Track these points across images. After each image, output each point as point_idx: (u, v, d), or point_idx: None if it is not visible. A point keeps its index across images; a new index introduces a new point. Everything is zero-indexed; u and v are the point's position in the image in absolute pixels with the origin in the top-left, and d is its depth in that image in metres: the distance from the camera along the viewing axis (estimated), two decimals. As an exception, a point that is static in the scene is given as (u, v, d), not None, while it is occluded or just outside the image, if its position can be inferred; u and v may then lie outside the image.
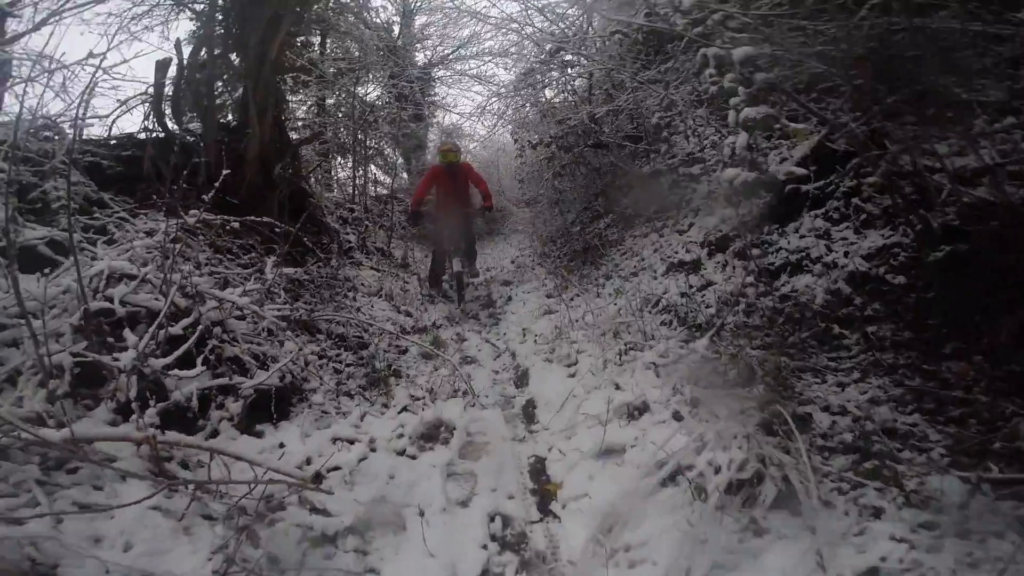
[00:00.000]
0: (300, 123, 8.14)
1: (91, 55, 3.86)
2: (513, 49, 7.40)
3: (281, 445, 2.49)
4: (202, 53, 5.07)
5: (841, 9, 2.10)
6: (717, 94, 2.34)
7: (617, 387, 2.89)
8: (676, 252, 4.55)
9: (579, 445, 2.63)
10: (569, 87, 6.49)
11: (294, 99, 8.74)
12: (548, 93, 7.11)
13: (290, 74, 7.80)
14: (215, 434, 2.39)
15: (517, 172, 11.31)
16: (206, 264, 3.09)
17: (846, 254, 3.26)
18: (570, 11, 6.10)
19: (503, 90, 7.41)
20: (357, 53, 8.66)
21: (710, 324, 3.27)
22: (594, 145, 5.80)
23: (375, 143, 8.97)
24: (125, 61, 6.58)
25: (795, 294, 3.31)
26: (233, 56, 5.37)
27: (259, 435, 2.54)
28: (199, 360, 2.35)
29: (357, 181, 7.54)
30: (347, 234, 6.18)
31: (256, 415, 2.59)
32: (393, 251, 7.36)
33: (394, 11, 10.67)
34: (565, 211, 6.56)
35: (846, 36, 2.10)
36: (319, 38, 9.01)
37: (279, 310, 2.91)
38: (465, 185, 5.49)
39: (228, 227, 3.23)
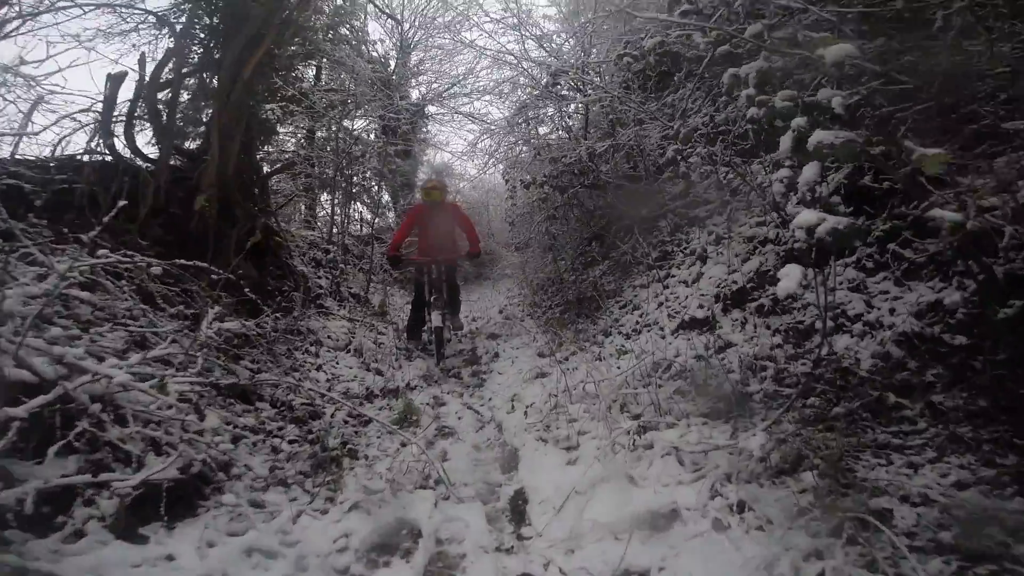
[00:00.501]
0: (287, 155, 7.71)
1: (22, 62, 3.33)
2: (507, 87, 7.13)
3: (169, 558, 1.81)
4: (167, 69, 4.59)
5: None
6: (762, 116, 1.85)
7: (632, 481, 2.26)
8: (685, 307, 4.01)
9: (586, 564, 1.97)
10: (564, 122, 6.14)
11: (284, 130, 8.43)
12: (542, 130, 6.78)
13: (280, 103, 7.56)
14: (78, 535, 1.71)
15: (508, 214, 10.95)
16: (110, 321, 2.46)
17: (892, 311, 2.79)
18: (567, 43, 5.84)
19: (495, 127, 7.05)
20: (351, 85, 8.38)
21: (742, 400, 2.68)
22: (590, 185, 5.37)
23: (360, 178, 8.51)
24: (60, 70, 5.11)
25: (833, 357, 2.80)
26: (206, 76, 4.92)
27: (142, 541, 1.86)
28: (60, 447, 1.69)
29: (336, 218, 6.98)
30: (319, 278, 5.57)
31: (148, 512, 1.91)
32: (371, 296, 6.76)
33: (391, 44, 10.60)
34: (558, 257, 6.05)
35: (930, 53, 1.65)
36: (314, 70, 8.79)
37: (195, 379, 2.26)
38: (450, 227, 4.99)
39: (151, 270, 2.59)
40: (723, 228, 4.54)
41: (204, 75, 4.87)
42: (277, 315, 3.94)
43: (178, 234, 3.78)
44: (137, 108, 4.29)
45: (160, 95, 4.60)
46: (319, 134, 8.18)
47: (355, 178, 8.38)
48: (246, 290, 3.15)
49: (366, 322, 5.43)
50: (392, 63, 10.56)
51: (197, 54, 5.00)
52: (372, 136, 9.24)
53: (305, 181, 8.47)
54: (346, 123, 7.98)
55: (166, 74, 4.58)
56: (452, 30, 9.13)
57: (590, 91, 5.56)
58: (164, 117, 4.38)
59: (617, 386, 2.90)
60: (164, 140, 4.23)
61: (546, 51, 5.84)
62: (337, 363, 4.21)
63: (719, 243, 4.39)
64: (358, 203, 9.03)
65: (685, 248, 4.78)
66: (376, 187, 8.63)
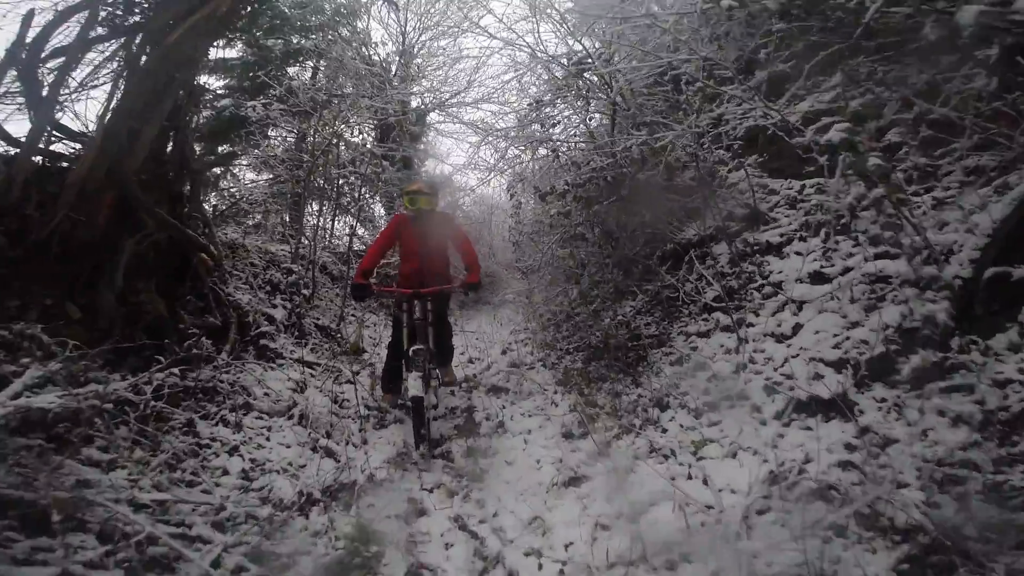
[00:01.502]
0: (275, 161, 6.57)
1: None
2: (517, 83, 5.94)
3: None
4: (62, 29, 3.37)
5: None
6: None
7: None
8: (789, 375, 2.73)
9: None
10: (586, 124, 4.93)
11: (274, 133, 7.57)
12: (558, 132, 5.57)
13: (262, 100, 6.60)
14: None
15: (511, 233, 9.72)
16: None
17: None
18: (594, 28, 4.66)
19: (502, 129, 5.82)
20: (349, 87, 7.36)
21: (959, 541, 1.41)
22: (624, 198, 4.12)
23: (349, 187, 7.30)
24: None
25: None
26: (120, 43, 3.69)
27: None
28: None
29: (315, 231, 5.70)
30: (272, 307, 4.26)
31: None
32: (345, 328, 5.45)
33: (394, 48, 9.59)
34: (587, 290, 4.77)
35: None
36: (310, 71, 8.14)
37: None
38: (441, 247, 3.71)
39: None
40: (821, 258, 3.30)
41: (119, 42, 3.64)
42: (179, 368, 2.62)
43: (27, 247, 2.48)
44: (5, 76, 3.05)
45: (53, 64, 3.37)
46: (310, 138, 7.25)
47: (343, 185, 7.22)
48: (181, 322, 1.81)
49: (330, 367, 4.11)
50: (394, 67, 9.59)
51: (116, 15, 3.78)
52: (368, 142, 8.17)
53: (279, 187, 7.34)
54: (340, 126, 6.90)
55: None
56: (456, 31, 8.10)
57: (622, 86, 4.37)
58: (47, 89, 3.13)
59: (713, 518, 1.59)
60: (39, 118, 2.97)
61: (567, 31, 4.66)
62: (268, 438, 2.89)
63: (820, 280, 3.14)
64: (348, 216, 7.88)
65: (759, 285, 3.53)
66: (363, 195, 7.36)
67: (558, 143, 5.04)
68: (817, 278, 3.18)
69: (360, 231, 8.09)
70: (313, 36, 7.79)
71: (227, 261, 4.06)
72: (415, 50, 9.84)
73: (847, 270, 3.08)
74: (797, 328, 2.98)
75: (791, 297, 3.11)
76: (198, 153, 3.79)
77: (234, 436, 2.76)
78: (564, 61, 5.07)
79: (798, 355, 2.81)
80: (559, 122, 5.47)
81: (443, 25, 9.17)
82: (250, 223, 7.44)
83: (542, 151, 5.95)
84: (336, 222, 8.21)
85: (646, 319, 4.31)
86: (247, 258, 4.56)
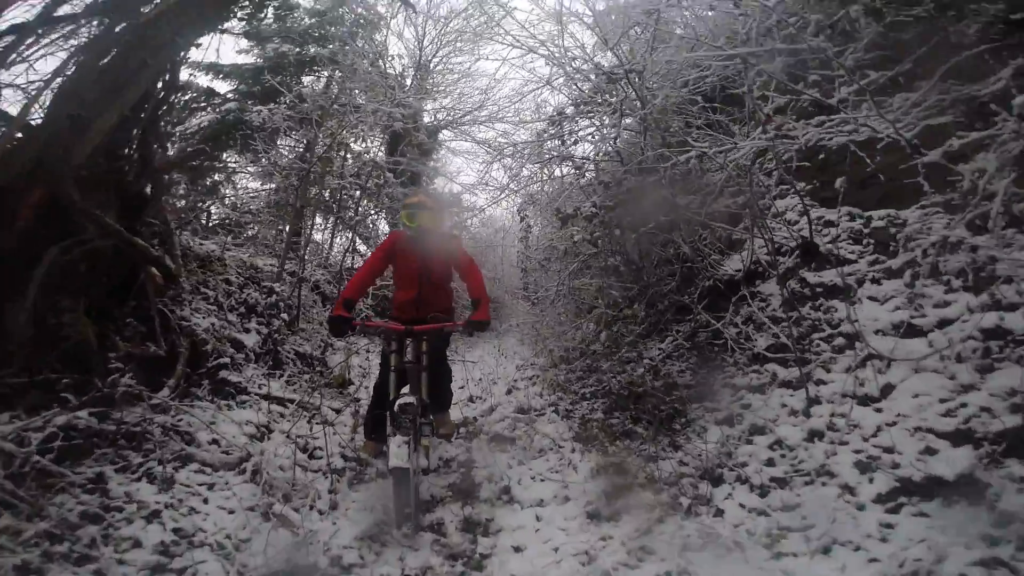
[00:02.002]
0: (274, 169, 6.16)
1: None
2: (533, 97, 5.48)
3: None
4: None
5: None
6: None
7: None
8: (889, 449, 2.10)
9: None
10: (611, 142, 4.42)
11: (283, 142, 7.20)
12: (583, 150, 5.06)
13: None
14: None
15: (520, 259, 9.19)
16: None
17: None
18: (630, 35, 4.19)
19: (519, 145, 5.31)
20: (361, 99, 7.02)
21: None
22: (664, 225, 3.56)
23: (347, 197, 6.81)
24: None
25: None
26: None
27: None
28: None
29: (290, 247, 5.15)
30: (242, 331, 3.66)
31: None
32: (331, 356, 4.84)
33: (410, 62, 9.31)
34: (606, 324, 4.16)
35: None
36: (324, 80, 7.87)
37: None
38: (443, 273, 3.09)
39: None
40: (906, 305, 2.70)
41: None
42: (98, 408, 2.01)
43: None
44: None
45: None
46: (319, 149, 6.92)
47: (347, 199, 6.74)
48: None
49: (305, 405, 3.48)
50: (408, 80, 9.33)
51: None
52: (375, 152, 7.83)
53: (278, 197, 6.88)
54: (344, 134, 6.49)
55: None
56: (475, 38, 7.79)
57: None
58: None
59: None
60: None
61: (600, 37, 4.18)
62: (206, 500, 2.25)
63: (910, 333, 2.54)
64: (350, 232, 7.39)
65: (827, 335, 2.92)
66: (364, 208, 6.84)
67: (582, 161, 4.51)
68: (906, 330, 2.57)
69: (362, 248, 7.56)
70: (330, 45, 7.51)
71: (194, 277, 3.49)
72: (431, 65, 9.59)
73: (945, 322, 2.48)
74: (888, 389, 2.37)
75: (876, 352, 2.49)
76: (172, 154, 3.24)
77: (158, 496, 2.13)
78: (591, 71, 4.62)
79: (896, 423, 2.19)
80: (583, 139, 4.99)
81: (462, 36, 8.87)
82: (250, 235, 6.97)
83: (560, 171, 5.46)
84: (338, 237, 7.73)
85: (678, 365, 3.69)
86: (223, 274, 3.98)
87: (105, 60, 2.80)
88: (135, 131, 3.14)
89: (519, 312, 8.68)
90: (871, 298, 2.95)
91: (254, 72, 8.14)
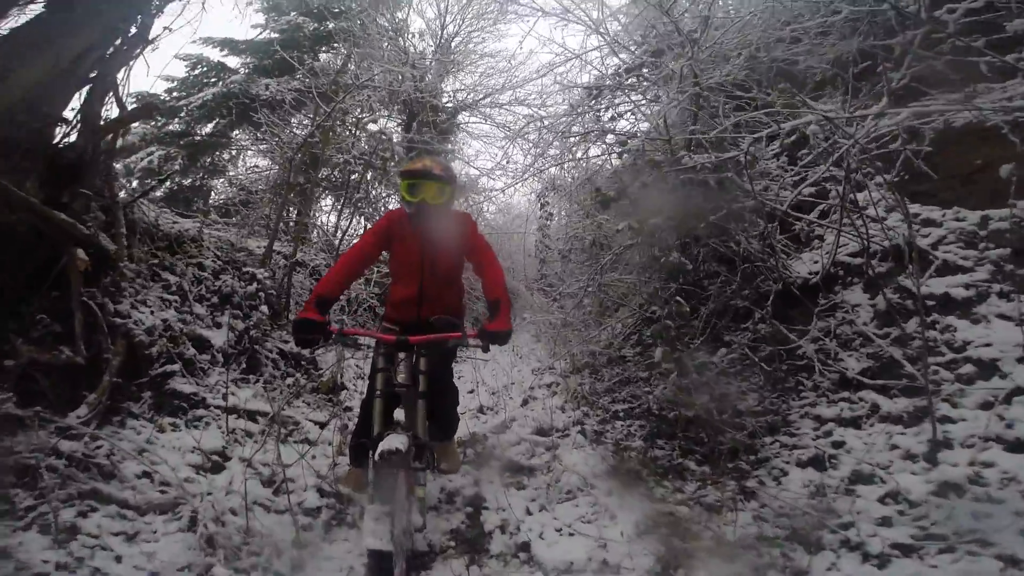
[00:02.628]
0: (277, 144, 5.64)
1: None
2: (558, 74, 4.75)
3: None
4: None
5: None
6: None
7: None
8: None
9: None
10: (661, 114, 3.71)
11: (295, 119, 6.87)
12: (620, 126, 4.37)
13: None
14: None
15: (538, 248, 8.51)
16: None
17: None
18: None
19: (547, 119, 4.59)
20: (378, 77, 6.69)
21: None
22: (730, 213, 2.86)
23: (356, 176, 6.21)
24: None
25: None
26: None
27: None
28: None
29: (284, 226, 4.52)
30: (211, 327, 3.06)
31: None
32: (322, 357, 4.22)
33: (431, 40, 8.69)
34: (659, 327, 3.47)
35: None
36: (341, 58, 7.54)
37: None
38: (452, 261, 2.36)
39: None
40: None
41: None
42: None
43: None
44: None
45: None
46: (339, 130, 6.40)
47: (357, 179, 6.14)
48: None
49: (283, 419, 2.87)
50: (428, 60, 8.77)
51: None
52: (392, 131, 7.43)
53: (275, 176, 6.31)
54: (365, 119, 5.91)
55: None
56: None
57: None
58: None
59: None
60: None
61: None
62: (119, 558, 1.66)
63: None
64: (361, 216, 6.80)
65: (948, 361, 2.23)
66: (369, 185, 6.22)
67: (624, 136, 3.81)
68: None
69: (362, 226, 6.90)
70: (349, 23, 6.98)
71: (152, 261, 2.87)
72: (453, 44, 8.98)
73: None
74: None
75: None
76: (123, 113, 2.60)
77: (50, 553, 1.53)
78: (637, 38, 3.92)
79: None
80: (621, 115, 4.27)
81: (487, 8, 8.22)
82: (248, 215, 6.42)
83: (591, 151, 4.77)
84: (344, 220, 7.09)
85: (737, 383, 3.01)
86: (196, 257, 3.38)
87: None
88: (82, 88, 2.53)
89: (535, 306, 8.02)
90: (1002, 316, 2.27)
91: (267, 46, 7.65)
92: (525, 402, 4.09)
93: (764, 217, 3.02)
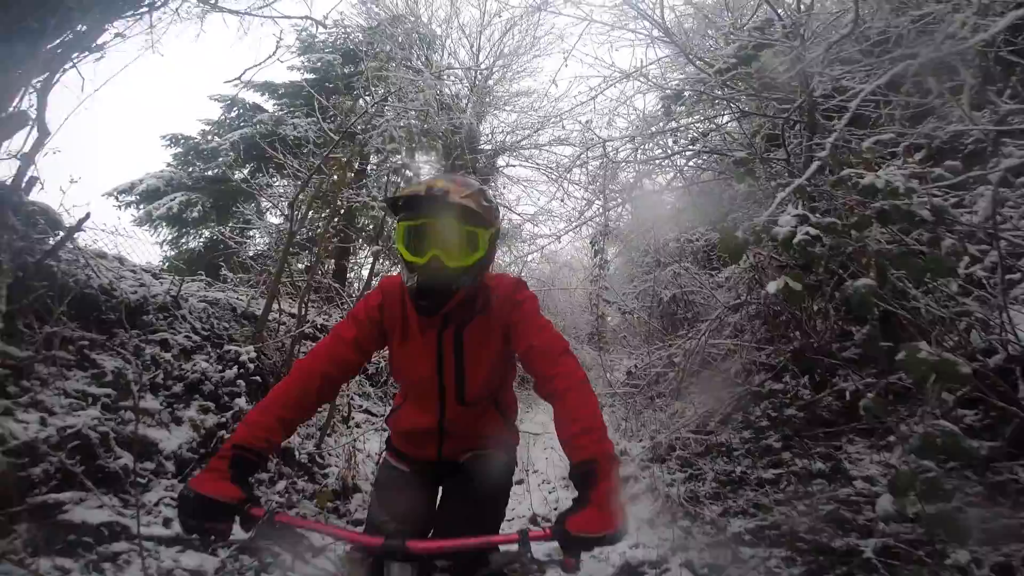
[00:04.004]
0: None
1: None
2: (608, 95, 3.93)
3: None
4: None
5: None
6: None
7: None
8: None
9: None
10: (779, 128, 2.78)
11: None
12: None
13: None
14: None
15: (592, 298, 7.54)
16: None
17: None
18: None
19: (615, 141, 3.71)
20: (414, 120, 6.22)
21: None
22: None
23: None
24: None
25: None
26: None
27: None
28: None
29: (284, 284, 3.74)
30: (170, 421, 2.23)
31: None
32: (332, 453, 3.30)
33: (466, 84, 8.40)
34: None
35: None
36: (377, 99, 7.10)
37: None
38: (496, 373, 1.26)
39: None
40: None
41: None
42: None
43: None
44: None
45: None
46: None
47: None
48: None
49: (256, 548, 1.92)
50: (464, 101, 8.43)
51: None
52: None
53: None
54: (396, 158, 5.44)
55: None
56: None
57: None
58: None
59: None
60: None
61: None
62: None
63: None
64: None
65: None
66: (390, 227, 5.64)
67: (737, 155, 2.86)
68: None
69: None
70: (383, 63, 6.79)
71: (85, 342, 2.10)
72: (489, 82, 8.66)
73: None
74: None
75: None
76: None
77: None
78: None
79: None
80: (705, 134, 3.35)
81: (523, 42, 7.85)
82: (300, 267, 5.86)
83: (658, 180, 3.86)
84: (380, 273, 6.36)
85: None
86: (162, 332, 2.62)
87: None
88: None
89: (593, 365, 6.91)
90: None
91: (301, 89, 7.55)
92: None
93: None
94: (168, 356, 2.52)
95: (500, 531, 1.34)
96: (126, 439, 1.99)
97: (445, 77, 7.77)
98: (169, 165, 7.30)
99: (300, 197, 3.23)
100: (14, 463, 1.49)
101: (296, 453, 2.87)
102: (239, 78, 2.91)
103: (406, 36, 7.44)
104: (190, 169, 7.30)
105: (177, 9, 2.60)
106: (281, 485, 2.66)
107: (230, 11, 2.94)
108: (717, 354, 3.97)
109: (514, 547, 0.91)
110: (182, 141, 7.53)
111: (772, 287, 1.90)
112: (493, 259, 1.24)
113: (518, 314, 1.18)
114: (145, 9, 2.37)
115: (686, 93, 3.40)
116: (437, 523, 1.30)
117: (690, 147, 3.44)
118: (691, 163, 3.55)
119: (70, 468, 1.62)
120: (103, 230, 3.28)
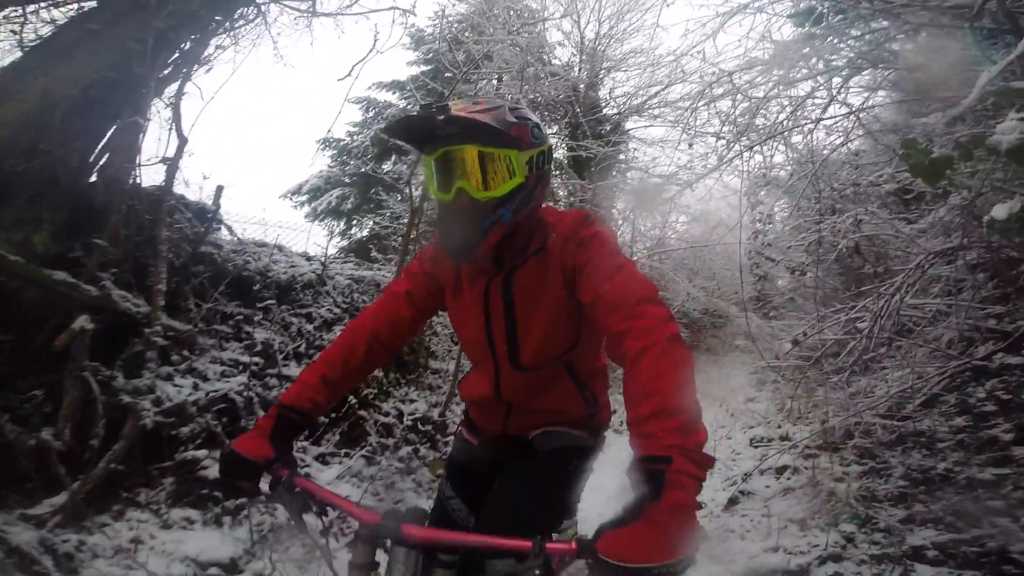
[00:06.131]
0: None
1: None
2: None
3: None
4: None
5: None
6: None
7: None
8: None
9: None
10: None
11: None
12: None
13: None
14: None
15: (752, 256, 6.57)
16: None
17: None
18: None
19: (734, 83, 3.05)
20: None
21: None
22: None
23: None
24: None
25: None
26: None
27: None
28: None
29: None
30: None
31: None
32: (454, 425, 3.42)
33: (573, 50, 8.31)
34: None
35: None
36: (496, 81, 7.43)
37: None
38: (557, 330, 1.02)
39: None
40: None
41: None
42: None
43: None
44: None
45: None
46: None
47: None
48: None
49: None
50: (576, 70, 8.20)
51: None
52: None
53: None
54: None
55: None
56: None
57: None
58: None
59: None
60: None
61: None
62: None
63: None
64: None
65: None
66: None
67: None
68: None
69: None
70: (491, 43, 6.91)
71: (240, 315, 2.45)
72: (598, 47, 8.25)
73: None
74: None
75: None
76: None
77: None
78: None
79: None
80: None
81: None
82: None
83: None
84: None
85: None
86: (308, 307, 2.96)
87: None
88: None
89: (755, 333, 6.03)
90: None
91: (423, 84, 8.10)
92: (733, 501, 2.58)
93: None
94: (311, 328, 2.82)
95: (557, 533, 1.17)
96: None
97: (549, 49, 7.60)
98: (329, 166, 8.72)
99: (414, 174, 3.39)
100: (164, 423, 1.82)
101: (419, 424, 3.03)
102: (349, 74, 3.10)
103: (504, 13, 7.42)
104: (346, 167, 8.41)
105: (262, 16, 2.84)
106: (404, 451, 2.84)
107: (324, 14, 3.18)
108: (921, 318, 3.12)
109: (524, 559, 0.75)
110: (333, 143, 8.69)
111: (1000, 211, 1.51)
112: (543, 190, 1.03)
113: (584, 255, 0.94)
114: (242, 21, 2.63)
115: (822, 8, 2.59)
116: (482, 509, 1.18)
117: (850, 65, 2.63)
118: (852, 83, 2.72)
119: (213, 429, 1.91)
120: (280, 226, 3.90)
